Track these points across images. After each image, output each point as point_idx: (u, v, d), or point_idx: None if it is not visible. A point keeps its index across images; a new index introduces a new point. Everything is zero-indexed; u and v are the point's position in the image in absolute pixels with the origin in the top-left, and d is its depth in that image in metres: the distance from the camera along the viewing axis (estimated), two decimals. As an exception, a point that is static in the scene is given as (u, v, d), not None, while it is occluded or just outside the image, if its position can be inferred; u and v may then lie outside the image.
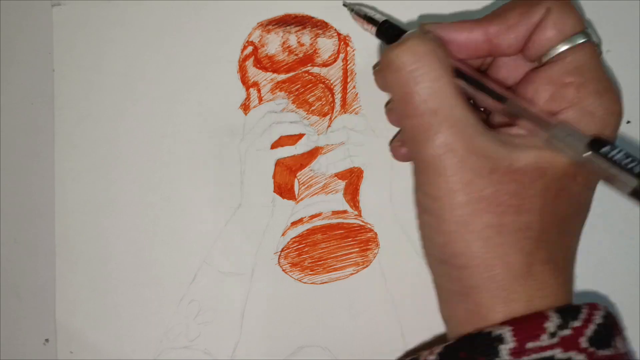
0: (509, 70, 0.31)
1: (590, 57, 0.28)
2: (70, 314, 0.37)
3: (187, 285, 0.37)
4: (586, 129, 0.27)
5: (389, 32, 0.31)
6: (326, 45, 0.37)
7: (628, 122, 0.36)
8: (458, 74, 0.28)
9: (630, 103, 0.36)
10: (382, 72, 0.28)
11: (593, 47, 0.28)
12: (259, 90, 0.37)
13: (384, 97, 0.36)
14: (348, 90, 0.36)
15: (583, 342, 0.25)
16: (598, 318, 0.26)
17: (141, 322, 0.37)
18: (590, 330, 0.25)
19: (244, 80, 0.37)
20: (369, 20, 0.32)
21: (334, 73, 0.37)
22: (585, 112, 0.27)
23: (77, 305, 0.37)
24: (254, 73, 0.37)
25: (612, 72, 0.36)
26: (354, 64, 0.36)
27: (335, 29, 0.37)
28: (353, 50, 0.36)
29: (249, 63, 0.37)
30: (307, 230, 0.36)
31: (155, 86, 0.37)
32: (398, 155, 0.35)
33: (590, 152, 0.25)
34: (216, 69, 0.37)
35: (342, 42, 0.37)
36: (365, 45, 0.36)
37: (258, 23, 0.37)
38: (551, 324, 0.25)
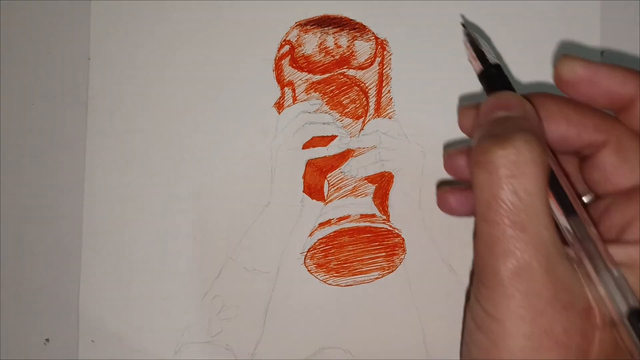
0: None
1: None
2: (94, 303, 0.37)
3: (211, 281, 0.37)
4: None
5: (494, 79, 0.27)
6: (363, 48, 0.37)
7: None
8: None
9: None
10: (472, 165, 0.24)
11: None
12: (293, 90, 0.37)
13: (419, 103, 0.36)
14: (383, 94, 0.36)
15: None
16: None
17: (164, 314, 0.37)
18: None
19: (279, 79, 0.37)
20: (480, 56, 0.28)
21: (369, 76, 0.36)
22: None
23: (100, 294, 0.37)
24: (289, 72, 0.37)
25: None
26: (390, 69, 0.36)
27: (373, 33, 0.37)
28: (390, 55, 0.36)
29: (285, 62, 0.37)
30: (335, 232, 0.36)
31: (190, 80, 0.37)
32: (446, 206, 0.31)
33: (627, 321, 0.22)
34: (252, 66, 0.37)
35: (379, 46, 0.37)
36: (402, 50, 0.36)
37: (296, 22, 0.37)
38: None
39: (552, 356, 0.22)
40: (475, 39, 0.29)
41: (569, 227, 0.24)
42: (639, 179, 0.25)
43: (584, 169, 0.27)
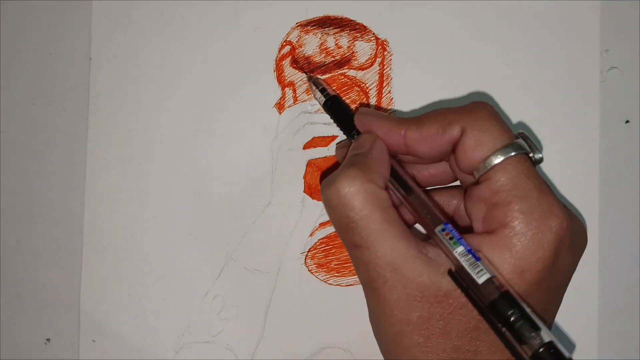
0: (462, 180, 0.31)
1: (516, 173, 0.27)
2: (95, 303, 0.37)
3: (212, 281, 0.37)
4: (518, 250, 0.26)
5: (333, 108, 0.33)
6: (363, 49, 0.37)
7: (627, 121, 0.36)
8: (395, 178, 0.30)
9: (630, 103, 0.36)
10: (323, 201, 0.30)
11: (521, 159, 0.27)
12: (294, 90, 0.37)
13: (419, 103, 0.36)
14: (383, 95, 0.37)
15: None
16: None
17: (165, 314, 0.37)
18: None
19: (280, 79, 0.37)
20: (322, 91, 0.34)
21: (370, 77, 0.37)
22: (515, 233, 0.26)
23: (101, 294, 0.37)
24: (290, 73, 0.37)
25: (612, 73, 0.36)
26: (390, 69, 0.37)
27: (373, 33, 0.37)
28: (390, 55, 0.37)
29: (286, 62, 0.37)
30: (335, 232, 0.36)
31: (191, 80, 0.37)
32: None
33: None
34: (253, 66, 0.37)
35: (380, 47, 0.37)
36: (403, 51, 0.37)
37: (297, 23, 0.37)
38: None
39: (415, 338, 0.27)
40: (315, 81, 0.35)
41: (432, 231, 0.28)
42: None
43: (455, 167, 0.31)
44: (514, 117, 0.37)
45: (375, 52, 0.37)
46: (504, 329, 0.25)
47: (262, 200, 0.37)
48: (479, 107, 0.28)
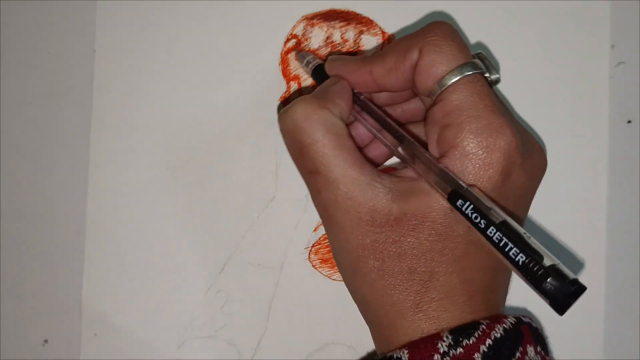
0: (422, 105, 0.31)
1: (469, 93, 0.26)
2: (97, 297, 0.37)
3: (215, 275, 0.36)
4: (470, 171, 0.26)
5: (320, 76, 0.33)
6: (370, 43, 0.36)
7: (629, 121, 0.36)
8: (363, 109, 0.30)
9: (630, 103, 0.36)
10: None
11: (476, 79, 0.27)
12: (299, 84, 0.37)
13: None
14: (389, 89, 0.36)
15: (477, 358, 0.25)
16: (497, 331, 0.26)
17: (167, 308, 0.36)
18: (485, 345, 0.25)
19: (285, 72, 0.37)
20: (307, 64, 0.35)
21: (376, 71, 0.36)
22: (465, 154, 0.26)
23: (103, 288, 0.37)
24: (295, 66, 0.37)
25: (612, 72, 0.36)
26: (396, 63, 0.36)
27: (379, 27, 0.36)
28: (397, 50, 0.36)
29: (291, 56, 0.37)
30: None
31: (196, 73, 0.37)
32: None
33: (450, 205, 0.26)
34: (258, 59, 0.37)
35: (386, 41, 0.36)
36: (409, 45, 0.36)
37: (303, 16, 0.37)
38: (443, 344, 0.26)
39: (372, 262, 0.27)
40: (301, 53, 0.36)
41: (399, 150, 0.29)
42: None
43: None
44: (522, 113, 0.36)
45: (382, 47, 0.36)
46: (511, 249, 0.23)
47: (266, 195, 0.36)
48: (435, 27, 0.28)
